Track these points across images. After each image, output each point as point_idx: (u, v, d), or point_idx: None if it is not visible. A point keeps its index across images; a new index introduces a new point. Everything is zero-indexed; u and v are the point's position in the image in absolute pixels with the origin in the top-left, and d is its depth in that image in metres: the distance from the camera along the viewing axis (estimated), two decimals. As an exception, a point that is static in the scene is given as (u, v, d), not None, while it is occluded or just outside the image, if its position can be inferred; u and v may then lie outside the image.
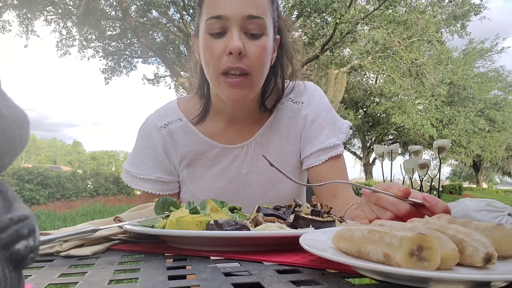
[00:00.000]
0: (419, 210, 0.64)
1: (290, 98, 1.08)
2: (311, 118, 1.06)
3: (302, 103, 1.07)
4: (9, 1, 11.72)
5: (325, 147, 1.03)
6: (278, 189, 1.07)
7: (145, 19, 12.71)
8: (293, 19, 11.40)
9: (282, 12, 1.06)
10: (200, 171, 1.06)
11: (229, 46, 0.87)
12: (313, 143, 1.05)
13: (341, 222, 0.69)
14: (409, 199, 0.64)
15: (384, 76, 15.11)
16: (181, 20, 12.60)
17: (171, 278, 0.45)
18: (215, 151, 1.05)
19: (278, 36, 1.01)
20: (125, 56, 14.46)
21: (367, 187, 0.70)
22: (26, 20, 12.19)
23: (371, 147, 22.36)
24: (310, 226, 0.64)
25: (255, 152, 1.06)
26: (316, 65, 13.45)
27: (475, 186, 30.56)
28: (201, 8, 0.94)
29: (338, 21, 10.34)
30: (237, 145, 1.05)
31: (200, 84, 1.06)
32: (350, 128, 1.11)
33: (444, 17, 14.35)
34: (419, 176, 2.42)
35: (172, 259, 0.58)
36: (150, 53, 13.81)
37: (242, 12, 0.87)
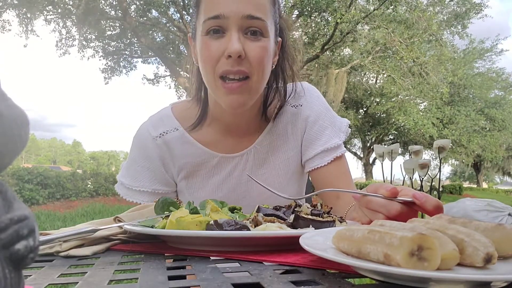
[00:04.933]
0: (411, 208, 0.64)
1: (288, 103, 1.06)
2: (312, 120, 1.05)
3: (301, 105, 1.06)
4: (9, 1, 11.72)
5: (329, 148, 1.03)
6: (278, 197, 1.06)
7: (145, 19, 12.70)
8: (293, 18, 11.39)
9: (283, 12, 1.04)
10: (200, 182, 1.03)
11: (228, 48, 0.82)
12: (316, 144, 1.04)
13: (341, 222, 0.69)
14: (399, 198, 0.64)
15: (385, 76, 15.10)
16: (181, 20, 12.58)
17: (171, 278, 0.45)
18: (214, 161, 1.01)
19: (279, 38, 0.98)
20: (125, 56, 14.45)
21: (358, 191, 0.70)
22: (26, 20, 12.18)
23: (371, 147, 22.35)
24: (310, 226, 0.64)
25: (255, 160, 1.03)
26: (316, 65, 13.44)
27: (475, 186, 30.55)
28: (198, 8, 0.90)
29: (338, 20, 10.33)
30: (237, 154, 1.02)
31: (197, 88, 1.02)
32: (349, 127, 1.10)
33: (445, 18, 14.32)
34: (419, 176, 2.42)
35: (172, 259, 0.58)
36: (150, 53, 13.81)
37: (241, 12, 0.83)
